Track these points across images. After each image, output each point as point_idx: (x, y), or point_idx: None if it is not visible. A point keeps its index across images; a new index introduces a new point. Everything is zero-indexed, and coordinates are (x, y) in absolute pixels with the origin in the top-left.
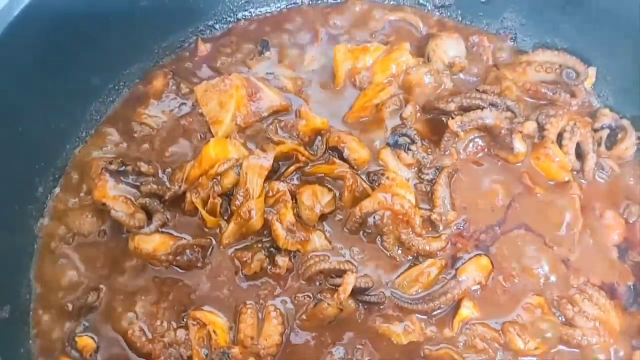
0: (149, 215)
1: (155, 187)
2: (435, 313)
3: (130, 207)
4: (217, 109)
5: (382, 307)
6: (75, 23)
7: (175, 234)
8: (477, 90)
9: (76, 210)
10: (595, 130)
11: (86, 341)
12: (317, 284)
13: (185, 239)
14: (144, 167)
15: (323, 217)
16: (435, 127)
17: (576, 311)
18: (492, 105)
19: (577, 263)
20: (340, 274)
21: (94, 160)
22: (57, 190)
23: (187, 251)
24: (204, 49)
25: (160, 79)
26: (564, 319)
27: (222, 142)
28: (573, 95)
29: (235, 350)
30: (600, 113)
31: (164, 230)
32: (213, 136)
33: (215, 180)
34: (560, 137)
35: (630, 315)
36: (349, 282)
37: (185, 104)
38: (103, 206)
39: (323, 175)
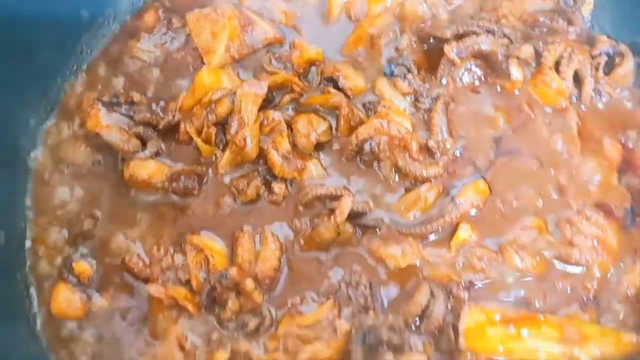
0: (143, 144)
1: (148, 115)
2: (432, 236)
3: (124, 134)
4: (209, 39)
5: (379, 231)
6: None
7: (170, 162)
8: (473, 18)
9: (69, 142)
10: (593, 57)
11: (83, 266)
12: (314, 209)
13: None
14: (137, 97)
15: (319, 147)
16: (431, 57)
17: (574, 231)
18: (488, 31)
19: (574, 186)
20: (337, 199)
21: (85, 93)
22: (50, 122)
23: (183, 178)
24: None
25: (151, 12)
26: (562, 239)
27: (215, 71)
28: (570, 23)
29: (233, 271)
30: (597, 39)
31: (159, 159)
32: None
33: (209, 109)
34: (557, 64)
35: (629, 235)
36: (346, 205)
37: (176, 37)
38: (96, 136)
39: (318, 106)
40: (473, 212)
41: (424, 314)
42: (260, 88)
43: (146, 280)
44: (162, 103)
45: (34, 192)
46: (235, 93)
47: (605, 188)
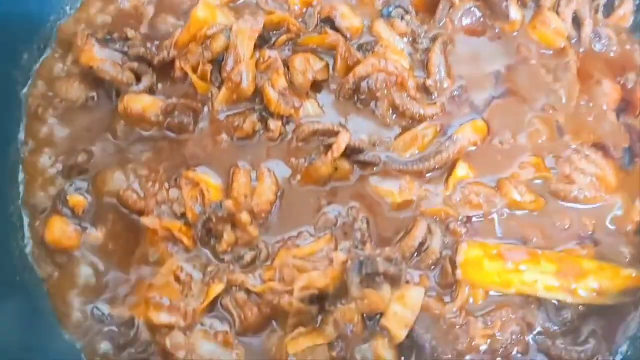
0: (138, 79)
1: (142, 50)
2: (430, 174)
3: (118, 68)
4: None
5: (376, 168)
6: None
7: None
8: None
9: (62, 78)
10: None
11: (77, 199)
12: (311, 145)
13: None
14: (131, 33)
15: (316, 87)
16: (429, 1)
17: (573, 168)
18: None
19: (573, 126)
20: (334, 134)
21: (79, 30)
22: (43, 58)
23: (178, 113)
24: None
25: None
26: (560, 177)
27: (211, 7)
28: None
29: (229, 202)
30: None
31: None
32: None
33: (204, 45)
34: (557, 6)
35: (627, 173)
36: (343, 140)
37: None
38: (90, 70)
39: (315, 47)
40: (471, 149)
41: (420, 249)
42: (256, 23)
43: (140, 213)
44: (156, 41)
45: (28, 126)
46: (231, 29)
47: (604, 128)
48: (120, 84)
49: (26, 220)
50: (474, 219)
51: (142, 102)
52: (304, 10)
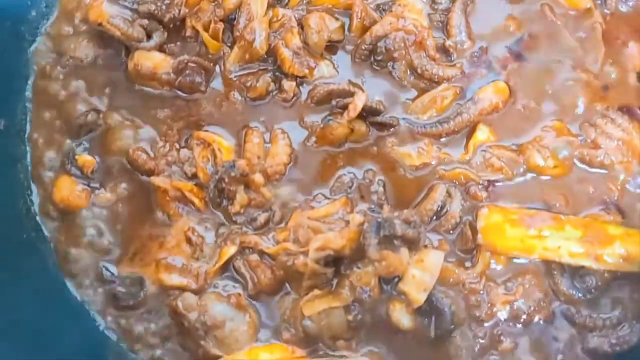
0: (148, 37)
1: (153, 6)
2: (449, 136)
3: (127, 23)
4: None
5: (393, 129)
6: None
7: None
8: None
9: (71, 36)
10: None
11: (85, 159)
12: (327, 106)
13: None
14: None
15: (331, 49)
16: None
17: (598, 132)
18: None
19: (598, 88)
20: (350, 95)
21: None
22: (51, 15)
23: (189, 71)
24: None
25: None
26: (585, 140)
27: None
28: None
29: (242, 162)
30: None
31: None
32: None
33: (216, 3)
34: None
35: None
36: (359, 98)
37: None
38: (99, 26)
39: (330, 6)
40: (492, 113)
41: (439, 213)
42: None
43: (150, 173)
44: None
45: (35, 84)
46: None
47: (629, 89)
48: (131, 39)
49: (34, 179)
50: (495, 183)
51: (153, 59)
52: None
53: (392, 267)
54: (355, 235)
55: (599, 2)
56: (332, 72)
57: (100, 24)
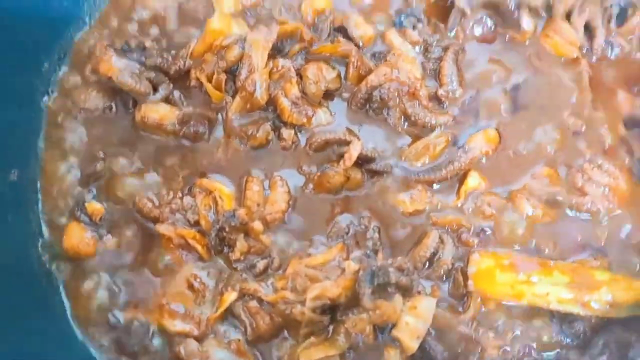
0: (155, 89)
1: (159, 60)
2: (441, 183)
3: (135, 77)
4: None
5: (388, 176)
6: None
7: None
8: None
9: (81, 87)
10: (605, 8)
11: (95, 206)
12: (324, 154)
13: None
14: (148, 43)
15: (328, 96)
16: (442, 8)
17: (585, 179)
18: None
19: (585, 136)
20: (346, 143)
21: (97, 40)
22: (63, 68)
23: (193, 122)
24: None
25: None
26: (573, 187)
27: (226, 17)
28: None
29: (241, 211)
30: None
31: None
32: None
33: (219, 55)
34: (569, 15)
35: (639, 184)
36: (355, 148)
37: None
38: (109, 80)
39: (328, 55)
40: (483, 159)
41: (432, 259)
42: (270, 33)
43: (155, 221)
44: (173, 51)
45: (47, 134)
46: (245, 39)
47: (616, 138)
48: (138, 94)
49: (45, 227)
50: (485, 229)
51: (159, 111)
52: (317, 19)
53: (385, 316)
54: (350, 283)
55: (586, 50)
56: (329, 119)
57: (109, 78)
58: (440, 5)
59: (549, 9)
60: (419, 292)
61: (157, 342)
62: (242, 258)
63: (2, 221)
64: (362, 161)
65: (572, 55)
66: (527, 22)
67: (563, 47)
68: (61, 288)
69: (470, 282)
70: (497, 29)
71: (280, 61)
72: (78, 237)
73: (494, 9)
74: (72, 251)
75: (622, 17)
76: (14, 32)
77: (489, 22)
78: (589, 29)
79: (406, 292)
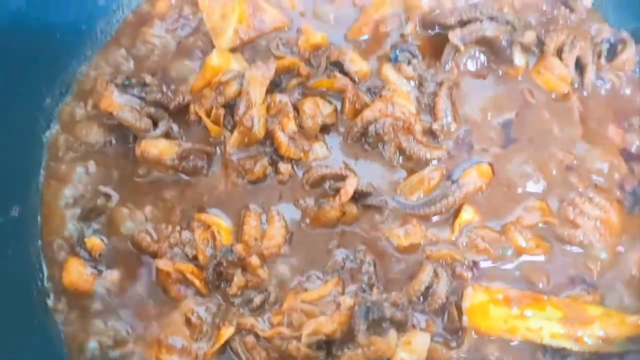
0: (155, 124)
1: (159, 96)
2: (436, 217)
3: (136, 113)
4: (219, 21)
5: (383, 211)
6: None
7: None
8: (477, 6)
9: (83, 121)
10: (595, 44)
11: (94, 242)
12: (320, 189)
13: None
14: (148, 78)
15: (325, 130)
16: (436, 44)
17: (577, 212)
18: (492, 18)
19: (577, 169)
20: (342, 179)
21: (99, 75)
22: (64, 102)
23: (192, 157)
24: None
25: (163, 0)
26: (565, 221)
27: (225, 54)
28: (572, 10)
29: (239, 247)
30: (599, 27)
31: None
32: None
33: (218, 90)
34: (560, 51)
35: (631, 217)
36: (350, 184)
37: (188, 24)
38: (110, 115)
39: (324, 89)
40: (476, 194)
41: (427, 293)
42: (268, 70)
43: (154, 256)
44: (172, 86)
45: (49, 168)
46: (243, 75)
47: (608, 171)
48: (138, 130)
49: (45, 262)
50: (480, 263)
51: (159, 147)
52: (313, 54)
53: (380, 352)
54: (345, 319)
55: (577, 85)
56: (325, 153)
57: (110, 113)
58: (434, 41)
59: (541, 45)
60: (413, 326)
61: None
62: (239, 293)
63: (3, 256)
64: (358, 196)
65: (563, 90)
66: (519, 58)
67: (554, 82)
68: (60, 324)
69: (464, 317)
70: (490, 64)
71: (278, 96)
72: (77, 272)
73: (486, 45)
74: (71, 287)
75: (612, 53)
76: (18, 67)
77: (482, 58)
78: (579, 65)
79: (401, 326)
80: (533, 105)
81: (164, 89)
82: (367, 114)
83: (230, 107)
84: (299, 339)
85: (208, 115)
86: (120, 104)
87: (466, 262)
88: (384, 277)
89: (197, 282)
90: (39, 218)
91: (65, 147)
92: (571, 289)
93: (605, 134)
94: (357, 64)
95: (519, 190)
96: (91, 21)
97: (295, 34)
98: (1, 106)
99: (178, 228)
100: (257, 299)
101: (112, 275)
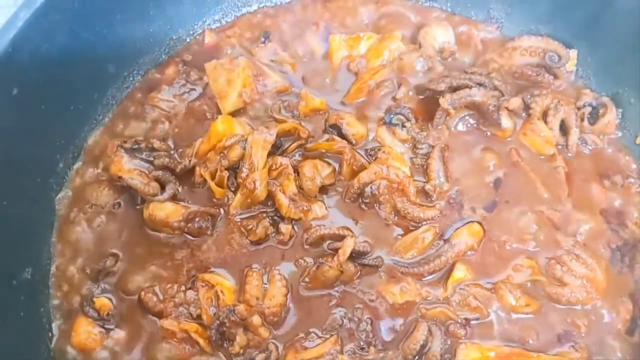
0: (162, 187)
1: (167, 160)
2: (429, 276)
3: (144, 178)
4: (224, 85)
5: (379, 270)
6: (93, 19)
7: (186, 204)
8: (466, 72)
9: (93, 184)
10: (578, 108)
11: (103, 301)
12: (319, 248)
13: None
14: (157, 143)
15: (324, 190)
16: (428, 107)
17: (564, 270)
18: (480, 84)
19: (563, 228)
20: (340, 239)
21: (109, 139)
22: (76, 166)
23: (197, 219)
24: (211, 39)
25: (171, 67)
26: (552, 279)
27: (229, 120)
28: (556, 77)
29: (241, 307)
30: (581, 92)
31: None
32: (220, 114)
33: (222, 154)
34: (545, 115)
35: (617, 273)
36: (348, 244)
37: (194, 89)
38: (119, 179)
39: (323, 151)
40: (468, 253)
41: (422, 351)
42: (270, 135)
43: (160, 315)
44: (180, 150)
45: (60, 230)
46: (246, 139)
47: (593, 229)
48: (146, 195)
49: (55, 322)
50: (472, 321)
51: (166, 210)
52: (312, 117)
53: None
54: None
55: (562, 146)
56: (324, 212)
57: (120, 177)
58: (426, 103)
59: (527, 108)
60: None
61: None
62: (241, 352)
63: (15, 317)
64: (355, 255)
65: (549, 152)
66: (506, 122)
67: (540, 145)
68: None
69: None
70: (480, 127)
71: (279, 159)
72: (86, 332)
73: (476, 109)
74: (79, 346)
75: (595, 116)
76: (34, 134)
77: (472, 121)
78: (564, 127)
79: None
80: (520, 165)
81: (172, 153)
82: (364, 176)
83: (233, 169)
84: None
85: (212, 177)
86: (130, 168)
87: (459, 320)
88: (380, 335)
89: (201, 341)
90: (50, 279)
91: (76, 210)
92: (560, 345)
93: (589, 193)
94: (354, 127)
95: (509, 249)
96: (103, 88)
97: (295, 98)
98: (17, 170)
99: (183, 288)
100: (259, 358)
101: (120, 335)
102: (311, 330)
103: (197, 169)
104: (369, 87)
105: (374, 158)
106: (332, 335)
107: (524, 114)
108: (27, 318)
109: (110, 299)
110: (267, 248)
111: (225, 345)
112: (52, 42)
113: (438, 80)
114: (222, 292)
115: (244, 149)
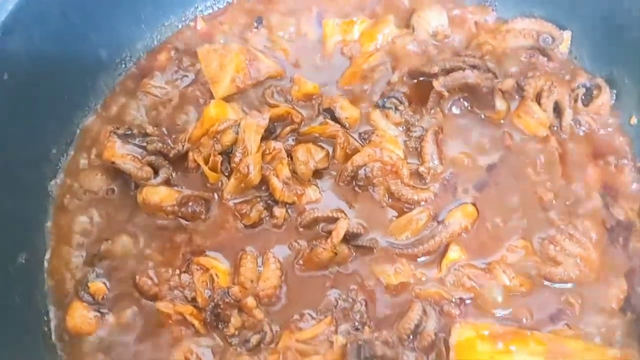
0: (155, 172)
1: (160, 145)
2: (424, 257)
3: (137, 162)
4: (217, 70)
5: (374, 251)
6: (84, 2)
7: (179, 189)
8: (459, 55)
9: (86, 170)
10: (572, 89)
11: (97, 286)
12: (313, 231)
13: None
14: (149, 129)
15: (317, 174)
16: (421, 90)
17: (558, 250)
18: (473, 66)
19: (557, 208)
20: (334, 221)
21: (102, 125)
22: (69, 152)
23: (191, 203)
24: (204, 25)
25: (164, 53)
26: (546, 258)
27: (222, 104)
28: (549, 58)
29: (235, 289)
30: (575, 73)
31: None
32: (213, 100)
33: (215, 139)
34: (539, 96)
35: (610, 252)
36: (341, 226)
37: (187, 75)
38: (112, 164)
39: (317, 135)
40: (462, 234)
41: (416, 331)
42: (262, 119)
43: (154, 298)
44: (173, 135)
45: (54, 216)
46: (239, 124)
47: (587, 209)
48: (140, 179)
49: (50, 307)
50: (466, 301)
51: (159, 194)
52: (306, 102)
53: None
54: (338, 357)
55: (556, 128)
56: (317, 196)
57: (113, 162)
58: (420, 87)
59: (521, 90)
60: None
61: None
62: (236, 333)
63: (10, 303)
64: (349, 237)
65: (543, 134)
66: (500, 104)
67: (534, 126)
68: None
69: (452, 354)
70: (474, 109)
71: (273, 143)
72: (81, 316)
73: (469, 92)
74: (74, 330)
75: (588, 97)
76: (27, 121)
77: (466, 103)
78: (557, 109)
79: None
80: (514, 147)
81: (165, 139)
82: (357, 159)
83: (227, 154)
84: None
85: (206, 162)
86: (123, 153)
87: (453, 300)
88: (375, 315)
89: (196, 322)
90: (45, 264)
91: (70, 196)
92: (554, 324)
93: (583, 174)
94: (347, 111)
95: (503, 230)
96: (95, 75)
97: (289, 83)
98: (10, 157)
99: (178, 271)
100: (254, 339)
101: (114, 318)
102: (306, 311)
103: (191, 154)
104: (363, 71)
105: (367, 141)
106: (326, 316)
107: (517, 96)
108: (22, 303)
109: (104, 283)
110: (262, 231)
111: (220, 326)
112: (43, 26)
113: (431, 64)
114: (216, 275)
115: (237, 133)
